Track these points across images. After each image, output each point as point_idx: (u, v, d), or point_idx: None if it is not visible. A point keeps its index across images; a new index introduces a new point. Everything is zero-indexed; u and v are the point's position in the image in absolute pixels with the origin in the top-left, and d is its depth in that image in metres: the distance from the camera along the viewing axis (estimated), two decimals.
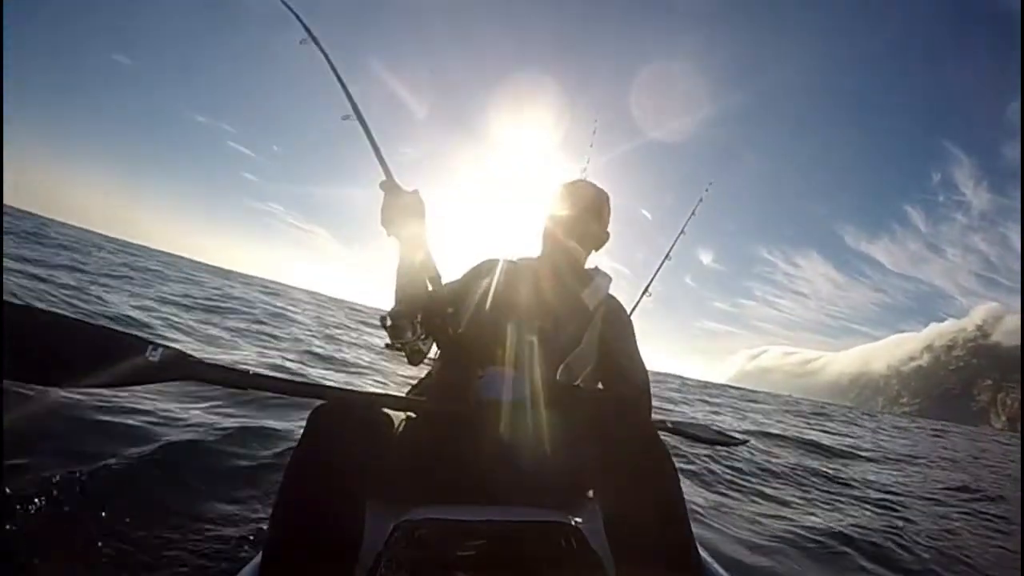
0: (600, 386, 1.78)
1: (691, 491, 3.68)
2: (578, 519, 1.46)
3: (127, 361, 1.33)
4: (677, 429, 2.86)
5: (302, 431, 1.23)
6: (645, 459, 1.27)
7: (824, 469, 6.33)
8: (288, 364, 6.58)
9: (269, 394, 1.71)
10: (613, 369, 1.74)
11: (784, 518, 3.54)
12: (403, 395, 1.64)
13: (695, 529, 1.28)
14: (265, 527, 1.53)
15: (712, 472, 4.53)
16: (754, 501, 4.04)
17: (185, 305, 10.31)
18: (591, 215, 1.85)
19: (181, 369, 1.38)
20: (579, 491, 1.61)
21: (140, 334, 1.39)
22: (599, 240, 1.91)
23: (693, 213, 3.55)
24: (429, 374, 1.89)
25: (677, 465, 1.29)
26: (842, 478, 5.80)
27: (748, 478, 4.81)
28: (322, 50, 1.88)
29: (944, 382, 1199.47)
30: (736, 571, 1.73)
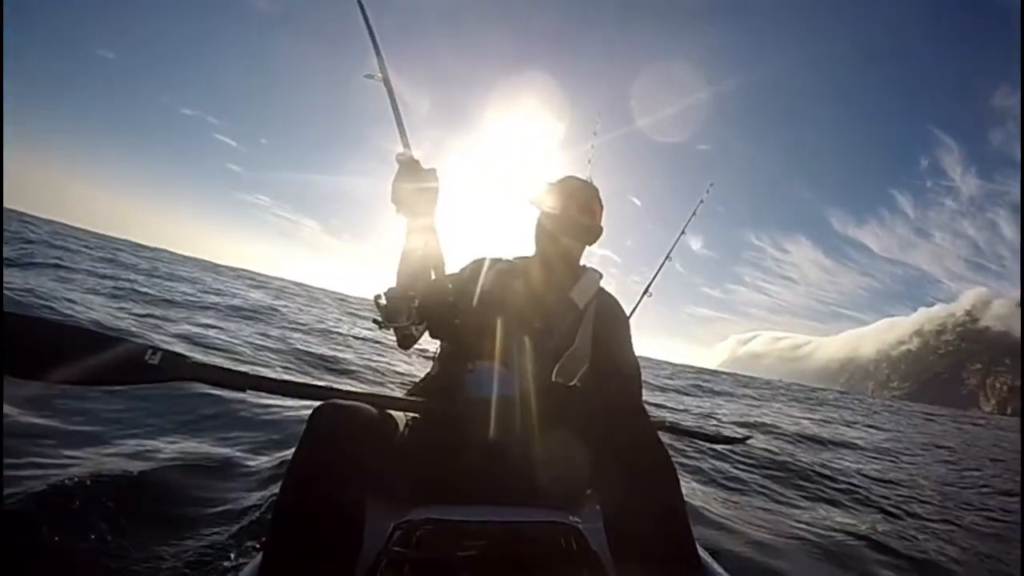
0: (596, 382, 1.75)
1: (692, 489, 3.68)
2: (578, 519, 1.46)
3: (128, 365, 1.37)
4: (677, 428, 2.89)
5: (302, 432, 1.23)
6: (645, 458, 1.26)
7: (825, 461, 6.40)
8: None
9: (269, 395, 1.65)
10: (605, 366, 1.72)
11: (787, 513, 3.57)
12: (402, 395, 1.64)
13: (695, 528, 1.27)
14: (266, 527, 1.51)
15: (717, 470, 4.50)
16: (755, 496, 4.03)
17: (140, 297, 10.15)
18: (581, 210, 1.83)
19: (180, 370, 1.41)
20: (578, 491, 1.59)
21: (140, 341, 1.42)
22: (592, 234, 1.89)
23: (694, 213, 3.59)
24: (429, 373, 1.86)
25: (676, 464, 1.29)
26: (842, 470, 5.83)
27: (751, 472, 4.80)
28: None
29: (933, 366, 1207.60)
30: (736, 570, 1.69)
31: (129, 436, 3.10)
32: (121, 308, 7.85)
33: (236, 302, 13.09)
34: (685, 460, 4.44)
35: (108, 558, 1.93)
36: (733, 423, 9.01)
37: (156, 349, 1.40)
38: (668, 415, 8.43)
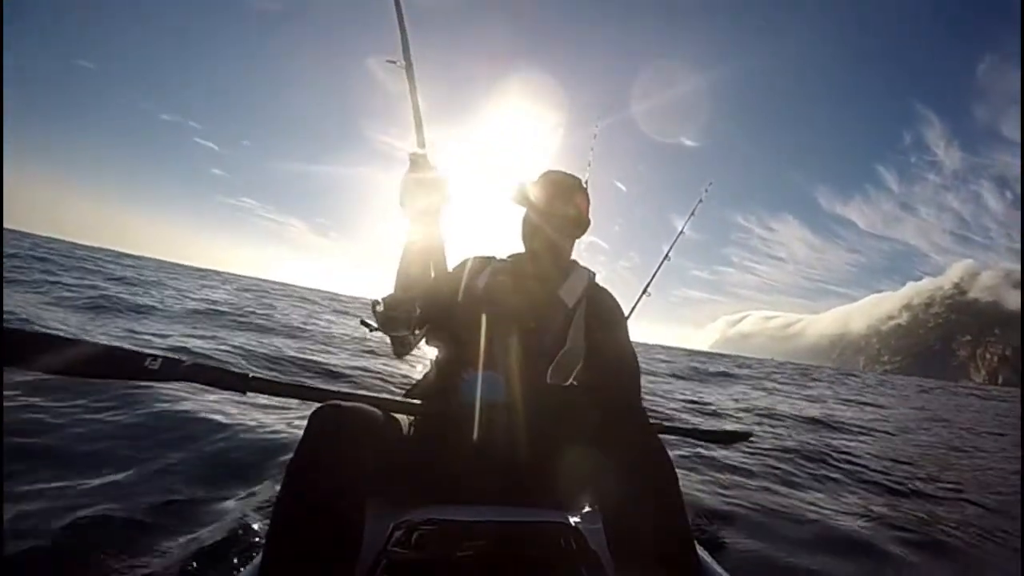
0: (592, 382, 1.73)
1: (691, 479, 3.59)
2: (578, 519, 1.47)
3: (128, 371, 1.39)
4: (678, 429, 2.94)
5: (302, 433, 1.23)
6: (644, 459, 1.26)
7: (831, 442, 6.34)
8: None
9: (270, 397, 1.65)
10: (601, 364, 1.70)
11: (791, 497, 3.49)
12: (402, 397, 1.63)
13: (694, 527, 1.31)
14: (266, 528, 1.44)
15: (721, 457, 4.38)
16: (758, 479, 3.94)
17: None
18: (566, 203, 1.79)
19: (180, 371, 1.42)
20: (578, 491, 1.57)
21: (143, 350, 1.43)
22: (579, 227, 1.85)
23: (692, 213, 3.65)
24: (426, 375, 1.85)
25: (675, 456, 1.24)
26: (850, 452, 5.75)
27: (757, 457, 4.73)
28: None
29: (924, 339, 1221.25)
30: (736, 570, 1.64)
31: (128, 436, 3.17)
32: (93, 320, 7.82)
33: (211, 306, 13.07)
34: (686, 451, 4.28)
35: (108, 559, 1.94)
36: (744, 410, 8.86)
37: (155, 356, 1.42)
38: (675, 404, 8.39)
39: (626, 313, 3.22)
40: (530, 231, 1.78)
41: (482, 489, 1.47)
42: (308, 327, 12.11)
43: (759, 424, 7.32)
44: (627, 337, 1.82)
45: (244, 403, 4.21)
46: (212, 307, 12.66)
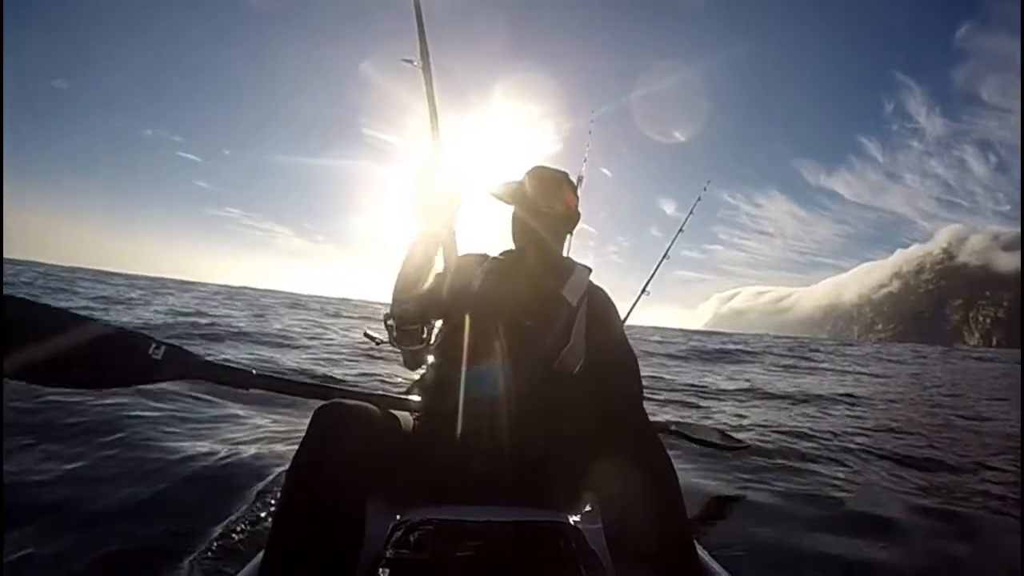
0: (592, 380, 1.72)
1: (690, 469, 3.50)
2: (578, 519, 1.50)
3: (130, 360, 1.38)
4: (679, 432, 3.00)
5: (304, 432, 1.23)
6: (643, 458, 1.26)
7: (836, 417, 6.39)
8: None
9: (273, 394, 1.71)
10: (602, 363, 1.70)
11: (805, 489, 3.32)
12: (404, 395, 1.65)
13: (694, 526, 1.27)
14: (267, 526, 1.52)
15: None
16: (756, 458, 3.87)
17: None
18: (554, 199, 1.78)
19: (184, 368, 1.44)
20: (578, 491, 1.56)
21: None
22: (569, 222, 1.86)
23: (691, 212, 3.71)
24: (423, 376, 1.82)
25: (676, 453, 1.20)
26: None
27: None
28: None
29: (915, 306, 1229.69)
30: (737, 570, 1.68)
31: (126, 434, 3.22)
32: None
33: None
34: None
35: (109, 558, 1.96)
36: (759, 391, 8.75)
37: (160, 343, 1.41)
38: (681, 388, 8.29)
39: (626, 311, 3.28)
40: (519, 229, 1.79)
41: (482, 489, 1.47)
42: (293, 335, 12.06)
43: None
44: (624, 335, 1.82)
45: (246, 402, 4.31)
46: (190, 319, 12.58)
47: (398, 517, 1.39)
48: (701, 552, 1.34)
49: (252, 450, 3.24)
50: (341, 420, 1.27)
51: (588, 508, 1.57)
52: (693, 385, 8.68)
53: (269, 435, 3.62)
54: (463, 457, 1.48)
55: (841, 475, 3.62)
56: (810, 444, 4.53)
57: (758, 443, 4.29)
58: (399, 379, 6.41)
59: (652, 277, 3.57)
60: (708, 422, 4.71)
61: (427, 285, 1.62)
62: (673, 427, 3.13)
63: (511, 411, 1.54)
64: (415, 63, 1.75)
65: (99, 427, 3.20)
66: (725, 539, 2.42)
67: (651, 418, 1.47)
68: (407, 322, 1.56)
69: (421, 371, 1.86)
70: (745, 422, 5.46)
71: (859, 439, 4.87)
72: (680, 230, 3.67)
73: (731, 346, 22.49)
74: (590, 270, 1.91)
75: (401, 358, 1.70)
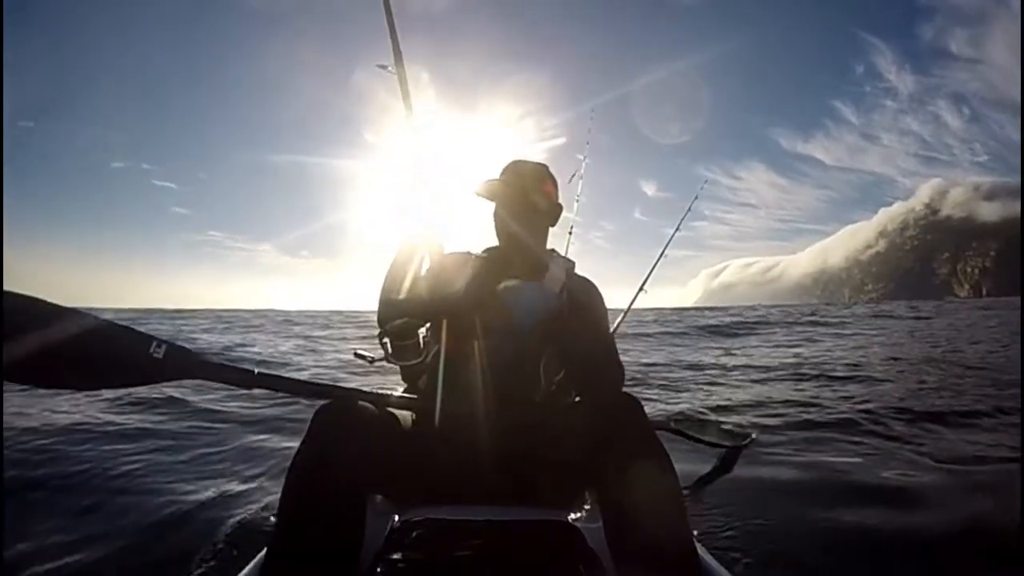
0: (575, 375, 1.74)
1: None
2: (578, 519, 1.51)
3: (131, 359, 1.35)
4: (678, 430, 3.04)
5: (306, 430, 1.23)
6: (643, 458, 1.25)
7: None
8: None
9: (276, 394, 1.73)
10: (583, 356, 1.66)
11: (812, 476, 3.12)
12: (405, 395, 1.61)
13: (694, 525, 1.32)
14: (268, 525, 1.55)
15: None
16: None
17: None
18: (535, 194, 1.77)
19: (186, 368, 1.39)
20: (578, 491, 1.59)
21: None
22: (551, 215, 1.85)
23: (689, 210, 3.78)
24: (422, 376, 1.80)
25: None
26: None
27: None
28: None
29: (903, 263, 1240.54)
30: (737, 569, 1.73)
31: (126, 433, 3.33)
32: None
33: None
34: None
35: (109, 557, 2.00)
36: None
37: (161, 341, 1.38)
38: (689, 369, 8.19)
39: (625, 308, 3.51)
40: (501, 225, 1.78)
41: (482, 488, 1.47)
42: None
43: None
44: (605, 326, 1.83)
45: (248, 399, 4.48)
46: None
47: (398, 517, 1.42)
48: (701, 551, 1.33)
49: (252, 447, 3.29)
50: (341, 420, 1.27)
51: (588, 507, 1.58)
52: (694, 366, 8.60)
53: (270, 434, 3.68)
54: (463, 457, 1.47)
55: (852, 455, 3.46)
56: (823, 419, 4.41)
57: (766, 425, 4.20)
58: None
59: (649, 276, 3.58)
60: (712, 417, 4.59)
61: (412, 287, 1.64)
62: (673, 424, 3.15)
63: (509, 411, 1.54)
64: (389, 68, 1.73)
65: (100, 425, 3.29)
66: (726, 537, 2.35)
67: (650, 415, 1.42)
68: (396, 332, 1.57)
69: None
70: (747, 399, 5.36)
71: (877, 408, 4.73)
72: (677, 229, 3.75)
73: (727, 319, 22.46)
74: (572, 263, 1.90)
75: (400, 373, 1.70)
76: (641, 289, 3.53)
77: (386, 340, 1.58)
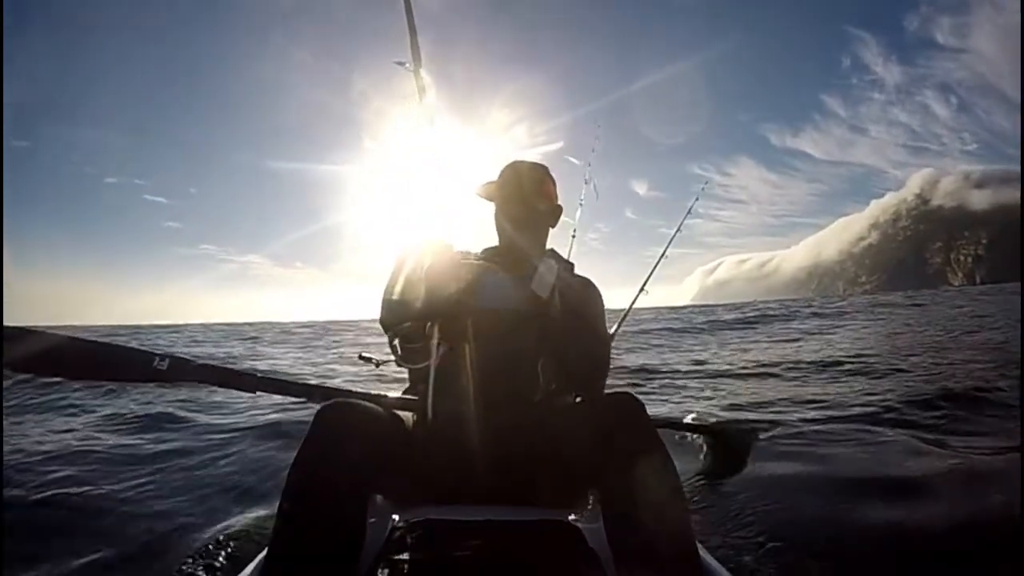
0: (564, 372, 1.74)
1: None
2: (578, 519, 1.51)
3: (134, 371, 1.43)
4: (681, 426, 3.11)
5: (307, 431, 1.24)
6: (644, 457, 1.25)
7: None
8: None
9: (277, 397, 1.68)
10: (573, 355, 1.66)
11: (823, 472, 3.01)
12: (406, 396, 1.63)
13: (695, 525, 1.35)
14: (269, 525, 1.46)
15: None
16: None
17: None
18: (535, 196, 1.80)
19: (187, 372, 1.44)
20: (578, 491, 1.60)
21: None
22: (551, 216, 1.88)
23: (689, 211, 3.85)
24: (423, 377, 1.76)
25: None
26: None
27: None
28: None
29: (896, 254, 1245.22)
30: (739, 570, 1.71)
31: (132, 431, 3.49)
32: None
33: None
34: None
35: (110, 557, 2.04)
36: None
37: (164, 356, 1.43)
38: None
39: (625, 308, 3.49)
40: (500, 227, 1.82)
41: (482, 488, 1.48)
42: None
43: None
44: (600, 324, 1.80)
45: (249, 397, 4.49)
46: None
47: (398, 517, 1.43)
48: (702, 551, 1.33)
49: (253, 450, 3.36)
50: (343, 420, 1.28)
51: (588, 507, 1.58)
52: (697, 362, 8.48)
53: (270, 433, 3.76)
54: (463, 457, 1.47)
55: (860, 450, 3.32)
56: (832, 413, 4.29)
57: (778, 420, 4.10)
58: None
59: (649, 277, 3.60)
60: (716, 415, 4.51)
61: (412, 289, 1.61)
62: (674, 423, 3.16)
63: (508, 411, 1.54)
64: (407, 65, 1.72)
65: (98, 424, 3.47)
66: (727, 537, 2.31)
67: (651, 413, 1.41)
68: (405, 335, 1.58)
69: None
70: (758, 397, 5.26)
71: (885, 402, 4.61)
72: (678, 229, 3.80)
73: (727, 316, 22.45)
74: (570, 263, 1.94)
75: (409, 376, 1.71)
76: (642, 290, 3.55)
77: (396, 343, 1.58)
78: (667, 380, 6.72)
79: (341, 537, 1.15)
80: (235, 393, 4.15)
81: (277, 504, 1.17)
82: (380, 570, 1.19)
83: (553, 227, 1.91)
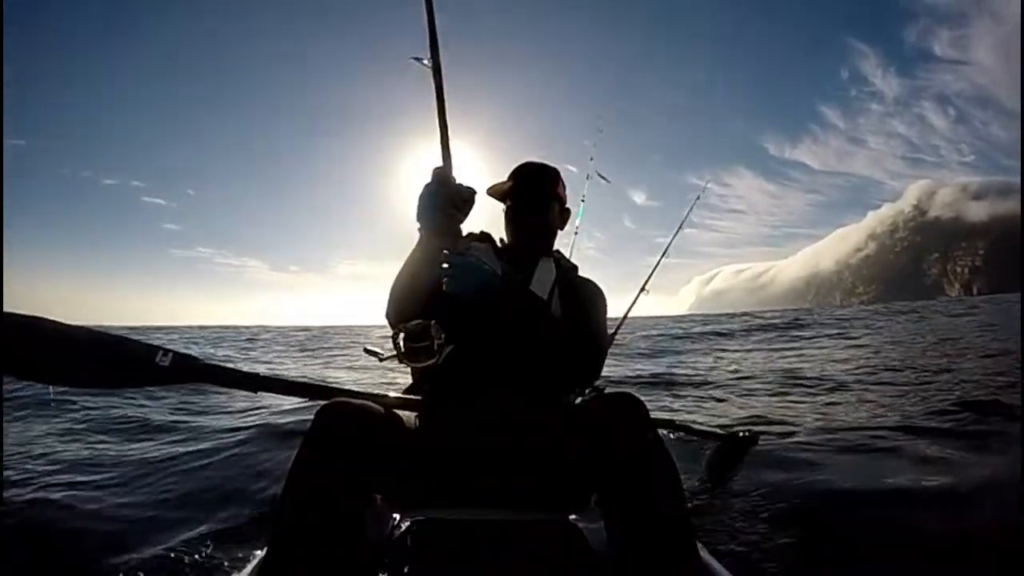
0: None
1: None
2: (578, 519, 1.54)
3: (135, 366, 1.40)
4: (682, 427, 3.09)
5: (307, 430, 1.23)
6: (645, 458, 1.25)
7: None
8: None
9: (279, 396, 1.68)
10: (574, 345, 1.59)
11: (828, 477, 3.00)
12: (407, 395, 1.62)
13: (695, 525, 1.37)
14: (269, 525, 1.54)
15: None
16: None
17: None
18: (544, 195, 1.80)
19: (191, 372, 1.43)
20: (579, 491, 1.54)
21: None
22: (560, 218, 1.88)
23: (690, 211, 3.89)
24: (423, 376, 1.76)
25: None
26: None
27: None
28: None
29: (893, 265, 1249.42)
30: (739, 570, 1.68)
31: (133, 431, 3.50)
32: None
33: None
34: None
35: (111, 556, 2.02)
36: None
37: (167, 351, 1.42)
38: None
39: (625, 309, 3.51)
40: (509, 227, 1.82)
41: (483, 488, 1.46)
42: None
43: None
44: (600, 321, 1.75)
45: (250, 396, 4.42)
46: None
47: (398, 517, 1.46)
48: (702, 551, 1.33)
49: (254, 449, 3.37)
50: (343, 420, 1.27)
51: (588, 508, 1.57)
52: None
53: (269, 433, 3.76)
54: (464, 457, 1.47)
55: (862, 455, 3.30)
56: (835, 420, 4.27)
57: (772, 424, 4.11)
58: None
59: (650, 277, 3.62)
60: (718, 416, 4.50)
61: (418, 285, 1.57)
62: (674, 423, 3.12)
63: (509, 411, 1.53)
64: (424, 61, 1.64)
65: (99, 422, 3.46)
66: (728, 538, 2.28)
67: (652, 415, 1.38)
68: (412, 332, 1.50)
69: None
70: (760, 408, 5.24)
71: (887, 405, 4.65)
72: (679, 228, 3.84)
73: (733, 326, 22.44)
74: (573, 264, 1.93)
75: (412, 375, 1.70)
76: (643, 289, 3.54)
77: (400, 340, 1.51)
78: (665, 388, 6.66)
79: (341, 536, 1.15)
80: (234, 393, 4.21)
81: (277, 504, 1.18)
82: (380, 570, 1.21)
83: (562, 229, 1.91)
